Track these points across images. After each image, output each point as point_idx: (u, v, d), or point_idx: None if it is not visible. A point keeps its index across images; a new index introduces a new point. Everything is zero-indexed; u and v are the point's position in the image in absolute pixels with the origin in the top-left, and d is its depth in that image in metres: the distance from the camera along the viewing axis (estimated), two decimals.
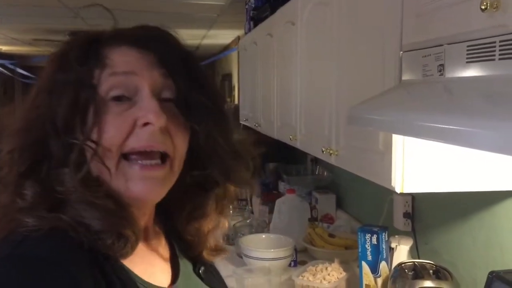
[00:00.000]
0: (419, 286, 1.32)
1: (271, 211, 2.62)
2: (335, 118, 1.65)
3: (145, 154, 0.68)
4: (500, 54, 0.81)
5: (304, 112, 2.07)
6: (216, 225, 0.84)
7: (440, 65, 0.99)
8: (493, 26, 0.82)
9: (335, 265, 1.82)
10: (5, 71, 8.83)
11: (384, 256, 1.56)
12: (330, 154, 1.67)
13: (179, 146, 0.71)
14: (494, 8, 0.80)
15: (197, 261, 0.85)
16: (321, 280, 1.74)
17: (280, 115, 2.49)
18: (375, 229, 1.56)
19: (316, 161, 3.14)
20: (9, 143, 0.68)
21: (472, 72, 0.89)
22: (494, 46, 0.82)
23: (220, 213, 0.83)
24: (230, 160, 0.76)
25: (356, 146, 1.49)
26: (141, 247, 0.72)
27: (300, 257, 2.17)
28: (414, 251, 1.71)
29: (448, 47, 0.96)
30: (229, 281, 1.94)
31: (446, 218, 1.64)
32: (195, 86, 0.72)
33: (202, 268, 0.85)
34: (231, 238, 2.38)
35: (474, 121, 0.72)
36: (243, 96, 3.65)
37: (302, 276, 1.77)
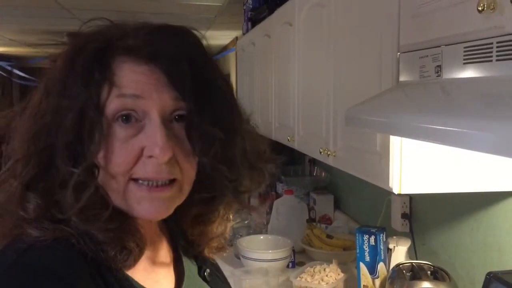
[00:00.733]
0: (417, 287, 1.32)
1: (269, 212, 2.62)
2: (333, 119, 1.65)
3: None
4: (497, 55, 0.81)
5: (302, 113, 2.07)
6: (222, 232, 0.83)
7: (438, 66, 0.99)
8: (490, 27, 0.82)
9: (333, 266, 1.82)
10: (2, 73, 8.81)
11: (382, 257, 1.56)
12: (328, 155, 1.67)
13: (187, 171, 0.69)
14: (491, 9, 0.80)
15: (198, 259, 0.84)
16: (319, 281, 1.74)
17: (278, 116, 2.49)
18: (373, 230, 1.56)
19: (314, 162, 3.14)
20: (15, 153, 0.66)
21: (469, 73, 0.89)
22: (491, 47, 0.82)
23: (227, 219, 0.82)
24: (239, 182, 0.74)
25: (354, 147, 1.49)
26: (144, 254, 0.71)
27: (298, 258, 2.17)
28: (412, 252, 1.71)
29: (445, 48, 0.96)
30: None
31: (444, 218, 1.64)
32: (208, 110, 0.67)
33: (208, 271, 0.84)
34: (229, 239, 2.37)
35: (471, 122, 0.72)
36: (241, 97, 3.65)
37: (300, 277, 1.77)
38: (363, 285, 1.58)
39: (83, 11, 4.43)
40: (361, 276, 1.58)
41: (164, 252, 0.79)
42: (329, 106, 1.68)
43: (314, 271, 1.81)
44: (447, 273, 1.38)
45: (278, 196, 2.80)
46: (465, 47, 0.90)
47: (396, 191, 1.19)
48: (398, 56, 1.16)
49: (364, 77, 1.39)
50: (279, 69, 2.44)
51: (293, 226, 2.39)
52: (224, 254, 0.88)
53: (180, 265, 0.80)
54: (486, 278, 1.22)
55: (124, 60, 0.65)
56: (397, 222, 1.86)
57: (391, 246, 1.59)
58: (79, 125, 0.63)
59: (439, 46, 0.98)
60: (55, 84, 0.66)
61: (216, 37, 6.04)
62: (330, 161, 1.68)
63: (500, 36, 0.80)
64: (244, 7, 3.43)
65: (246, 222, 2.55)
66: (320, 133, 1.76)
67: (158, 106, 0.65)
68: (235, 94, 0.77)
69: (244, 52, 3.47)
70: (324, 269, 1.81)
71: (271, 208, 2.56)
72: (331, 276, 1.76)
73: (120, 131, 0.65)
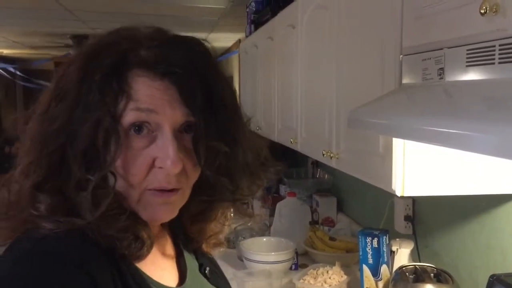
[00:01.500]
0: None
1: (272, 214, 2.62)
2: (336, 121, 1.65)
3: None
4: (499, 58, 0.81)
5: (305, 115, 2.07)
6: (220, 231, 0.87)
7: (440, 68, 0.99)
8: (492, 30, 0.82)
9: (336, 268, 1.82)
10: (6, 74, 8.84)
11: (385, 260, 1.55)
12: (331, 157, 1.67)
13: (192, 178, 0.74)
14: (493, 12, 0.80)
15: (197, 254, 0.87)
16: (322, 283, 1.74)
17: (280, 118, 2.49)
18: (376, 232, 1.56)
19: (317, 164, 3.14)
20: (27, 155, 0.68)
21: (472, 76, 0.89)
22: (494, 50, 0.83)
23: (226, 218, 0.86)
24: (239, 191, 0.78)
25: (357, 149, 1.49)
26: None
27: (301, 261, 2.17)
28: (415, 254, 1.71)
29: (448, 51, 0.96)
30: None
31: (447, 221, 1.64)
32: (215, 124, 0.71)
33: (208, 268, 0.87)
34: (232, 241, 2.37)
35: (474, 125, 0.72)
36: (243, 99, 3.65)
37: (303, 280, 1.77)
38: (366, 287, 1.58)
39: (85, 13, 4.44)
40: (364, 278, 1.58)
41: (168, 248, 0.82)
42: (332, 108, 1.68)
43: (317, 273, 1.81)
44: (450, 276, 1.37)
45: (281, 198, 2.80)
46: (467, 50, 0.90)
47: (399, 193, 1.19)
48: (400, 58, 1.16)
49: (367, 79, 1.39)
50: (282, 71, 2.45)
51: (296, 228, 2.39)
52: (222, 249, 0.91)
53: (182, 260, 0.83)
54: (489, 280, 1.21)
55: (139, 74, 0.68)
56: (400, 224, 1.86)
57: (394, 248, 1.59)
58: (95, 133, 0.66)
59: (442, 49, 0.98)
60: (69, 90, 0.68)
61: (219, 40, 6.05)
62: (333, 163, 1.68)
63: (503, 38, 0.80)
64: (247, 10, 3.44)
65: (249, 224, 2.55)
66: (323, 135, 1.76)
67: (170, 120, 0.68)
68: (238, 101, 0.80)
69: (247, 55, 3.48)
70: (327, 271, 1.81)
71: (274, 210, 2.56)
72: (334, 279, 1.76)
73: (134, 141, 0.68)
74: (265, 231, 2.51)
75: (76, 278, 0.61)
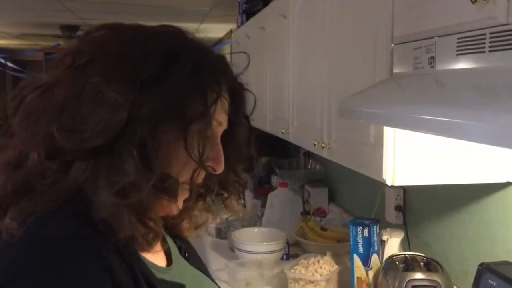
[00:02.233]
0: (410, 278, 1.32)
1: (263, 205, 2.62)
2: (327, 111, 1.65)
3: None
4: (490, 46, 0.82)
5: (297, 106, 2.07)
6: (203, 223, 0.89)
7: (431, 57, 0.99)
8: (483, 18, 0.82)
9: (327, 258, 1.83)
10: None
11: (376, 249, 1.56)
12: (322, 147, 1.67)
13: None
14: (484, 0, 0.80)
15: (174, 237, 0.89)
16: (313, 273, 1.74)
17: (272, 109, 2.49)
18: (367, 222, 1.57)
19: (308, 154, 3.14)
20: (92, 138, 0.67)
21: (462, 64, 0.89)
22: (484, 38, 0.83)
23: (207, 210, 0.87)
24: (230, 180, 0.85)
25: (348, 139, 1.49)
26: None
27: (293, 251, 2.17)
28: (406, 244, 1.72)
29: (439, 40, 0.96)
30: (221, 275, 1.95)
31: (437, 211, 1.65)
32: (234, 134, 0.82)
33: (186, 250, 0.89)
34: (224, 231, 2.38)
35: (465, 113, 0.72)
36: None
37: (294, 269, 1.77)
38: (357, 277, 1.59)
39: (75, 3, 4.40)
40: (355, 267, 1.58)
41: None
42: (324, 98, 1.68)
43: (308, 263, 1.81)
44: (440, 265, 1.38)
45: (272, 188, 2.80)
46: (458, 38, 0.90)
47: (389, 182, 1.20)
48: (392, 47, 1.16)
49: (359, 69, 1.39)
50: (274, 62, 2.44)
51: (287, 219, 2.39)
52: (198, 234, 0.92)
53: (166, 244, 0.84)
54: (478, 269, 1.22)
55: (224, 88, 0.76)
56: (390, 214, 1.86)
57: (384, 238, 1.60)
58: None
59: (433, 38, 0.98)
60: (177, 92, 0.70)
61: (211, 30, 6.02)
62: (324, 153, 1.68)
63: (493, 27, 0.80)
64: (239, 0, 3.42)
65: (240, 214, 2.55)
66: (315, 125, 1.76)
67: (223, 129, 0.78)
68: None
69: (239, 45, 3.46)
70: (318, 261, 1.81)
71: (265, 201, 2.56)
72: (325, 268, 1.77)
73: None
74: (256, 221, 2.51)
75: (92, 265, 0.62)
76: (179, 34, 0.75)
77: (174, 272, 0.79)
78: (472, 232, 1.46)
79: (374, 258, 1.56)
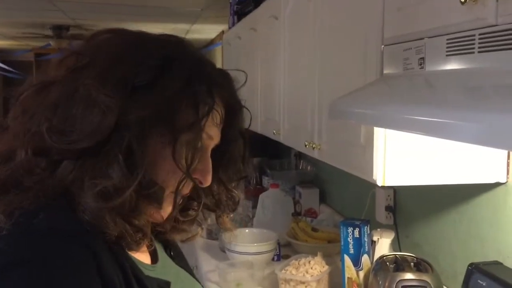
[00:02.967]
0: (400, 279, 1.33)
1: (254, 206, 2.62)
2: (318, 112, 1.66)
3: None
4: (479, 47, 0.82)
5: (288, 107, 2.07)
6: (192, 237, 0.89)
7: (421, 58, 0.99)
8: (472, 19, 0.82)
9: (318, 258, 1.83)
10: None
11: (366, 249, 1.56)
12: (313, 148, 1.67)
13: None
14: (473, 1, 0.80)
15: (162, 241, 0.89)
16: (304, 273, 1.74)
17: (263, 110, 2.49)
18: (357, 223, 1.57)
19: (300, 155, 3.15)
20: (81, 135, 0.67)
21: (452, 65, 0.90)
22: (474, 39, 0.83)
23: (197, 224, 0.88)
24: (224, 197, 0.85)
25: (338, 140, 1.49)
26: None
27: (284, 251, 2.17)
28: (396, 244, 1.72)
29: (428, 41, 0.97)
30: (212, 276, 1.95)
31: (427, 211, 1.66)
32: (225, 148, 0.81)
33: (172, 250, 0.90)
34: (215, 232, 2.37)
35: (454, 113, 0.73)
36: None
37: (285, 270, 1.77)
38: (347, 277, 1.59)
39: (66, 3, 4.38)
40: (346, 268, 1.59)
41: None
42: (315, 99, 1.68)
43: (299, 263, 1.81)
44: (430, 265, 1.39)
45: (264, 189, 2.80)
46: (448, 39, 0.90)
47: (379, 183, 1.20)
48: (382, 48, 1.17)
49: (349, 70, 1.40)
50: (265, 63, 2.44)
51: (278, 220, 2.39)
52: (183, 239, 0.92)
53: (152, 243, 0.84)
54: (468, 269, 1.23)
55: (219, 104, 0.76)
56: (381, 215, 1.87)
57: (375, 238, 1.60)
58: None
59: (423, 39, 0.99)
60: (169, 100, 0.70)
61: (202, 31, 6.01)
62: (315, 154, 1.68)
63: (482, 28, 0.81)
64: (230, 1, 3.42)
65: (231, 215, 2.54)
66: (305, 126, 1.76)
67: (215, 143, 0.77)
68: None
69: (230, 46, 3.46)
70: (309, 262, 1.81)
71: (256, 201, 2.56)
72: (315, 269, 1.77)
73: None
74: (247, 222, 2.51)
75: (83, 259, 0.63)
76: (179, 44, 0.75)
77: (159, 270, 0.79)
78: (462, 232, 1.47)
79: (365, 258, 1.56)
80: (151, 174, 0.69)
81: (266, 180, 3.06)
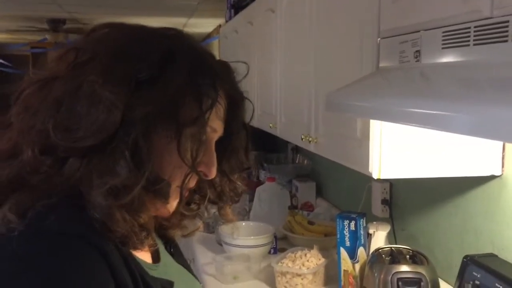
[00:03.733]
0: (396, 271, 1.33)
1: (251, 199, 2.63)
2: (314, 106, 1.66)
3: None
4: (474, 40, 0.82)
5: (284, 100, 2.07)
6: (192, 232, 0.89)
7: (417, 51, 1.00)
8: (468, 11, 0.83)
9: (314, 251, 1.83)
10: None
11: (362, 242, 1.57)
12: (309, 142, 1.67)
13: None
14: None
15: (162, 237, 0.88)
16: (300, 266, 1.75)
17: (260, 104, 2.49)
18: (353, 216, 1.57)
19: (297, 149, 3.15)
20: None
21: (447, 58, 0.90)
22: (469, 32, 0.83)
23: (198, 217, 0.87)
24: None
25: (335, 133, 1.50)
26: None
27: (280, 245, 2.18)
28: (392, 237, 1.73)
29: (424, 33, 0.97)
30: (208, 268, 1.95)
31: (422, 204, 1.67)
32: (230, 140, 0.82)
33: (172, 246, 0.89)
34: (211, 226, 2.38)
35: (448, 105, 0.73)
36: None
37: (281, 263, 1.78)
38: (343, 270, 1.60)
39: None
40: (342, 260, 1.59)
41: None
42: (311, 93, 1.69)
43: (295, 256, 1.82)
44: (425, 257, 1.40)
45: (260, 183, 2.80)
46: (443, 32, 0.91)
47: (375, 176, 1.21)
48: (378, 41, 1.17)
49: (346, 63, 1.40)
50: (262, 56, 2.44)
51: (275, 213, 2.40)
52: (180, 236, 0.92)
53: (154, 242, 0.84)
54: (463, 261, 1.24)
55: (221, 98, 0.75)
56: (377, 208, 1.88)
57: (371, 231, 1.61)
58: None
59: (419, 31, 0.99)
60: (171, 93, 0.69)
61: (199, 25, 5.99)
62: (311, 148, 1.68)
63: (478, 20, 0.81)
64: None
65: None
66: (302, 119, 1.77)
67: (218, 136, 0.77)
68: None
69: (227, 40, 3.46)
70: (305, 255, 1.82)
71: (253, 195, 2.57)
72: (312, 261, 1.78)
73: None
74: (244, 215, 2.52)
75: (95, 260, 0.63)
76: (180, 37, 0.75)
77: (162, 269, 0.79)
78: (457, 225, 1.48)
79: (361, 251, 1.57)
80: (157, 169, 0.69)
81: (263, 174, 3.07)
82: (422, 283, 1.31)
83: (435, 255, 1.55)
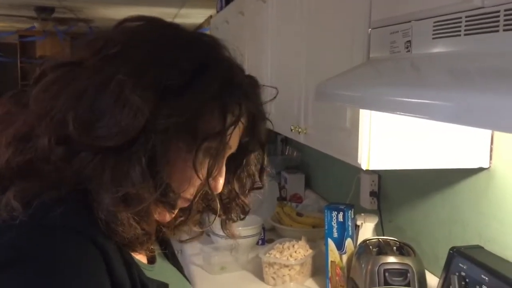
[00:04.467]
0: (382, 262, 1.34)
1: None
2: (304, 97, 1.65)
3: None
4: (465, 30, 0.82)
5: (274, 91, 2.06)
6: (192, 238, 0.88)
7: (408, 41, 0.99)
8: (459, 1, 0.82)
9: (302, 242, 1.84)
10: None
11: (350, 233, 1.57)
12: (299, 133, 1.67)
13: None
14: None
15: (157, 239, 0.87)
16: (287, 257, 1.75)
17: None
18: (341, 207, 1.58)
19: (286, 141, 3.15)
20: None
21: (438, 48, 0.90)
22: (460, 22, 0.83)
23: (199, 225, 0.87)
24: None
25: (324, 124, 1.49)
26: None
27: (268, 236, 2.18)
28: (379, 229, 1.74)
29: (415, 24, 0.97)
30: (196, 259, 1.95)
31: (410, 196, 1.67)
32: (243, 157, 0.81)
33: (167, 250, 0.89)
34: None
35: (434, 93, 0.73)
36: None
37: (269, 254, 1.78)
38: (331, 261, 1.60)
39: None
40: (329, 251, 1.60)
41: None
42: (301, 84, 1.68)
43: (283, 247, 1.82)
44: (412, 249, 1.40)
45: None
46: (434, 22, 0.90)
47: (364, 167, 1.21)
48: (369, 32, 1.16)
49: (336, 53, 1.39)
50: (253, 47, 2.43)
51: (263, 204, 2.40)
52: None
53: (152, 243, 0.83)
54: (449, 253, 1.25)
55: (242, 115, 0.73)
56: (365, 200, 1.88)
57: (358, 222, 1.61)
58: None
59: (409, 21, 0.98)
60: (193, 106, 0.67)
61: (190, 16, 5.95)
62: (301, 139, 1.68)
63: (469, 10, 0.81)
64: None
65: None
66: (292, 110, 1.76)
67: (231, 152, 0.76)
68: None
69: (218, 31, 3.43)
70: (293, 246, 1.82)
71: None
72: (299, 252, 1.78)
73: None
74: None
75: (94, 257, 0.62)
76: (214, 46, 0.73)
77: (157, 270, 0.78)
78: (444, 217, 1.49)
79: (348, 242, 1.57)
80: (169, 179, 0.67)
81: None
82: (408, 274, 1.32)
83: (422, 247, 1.56)
